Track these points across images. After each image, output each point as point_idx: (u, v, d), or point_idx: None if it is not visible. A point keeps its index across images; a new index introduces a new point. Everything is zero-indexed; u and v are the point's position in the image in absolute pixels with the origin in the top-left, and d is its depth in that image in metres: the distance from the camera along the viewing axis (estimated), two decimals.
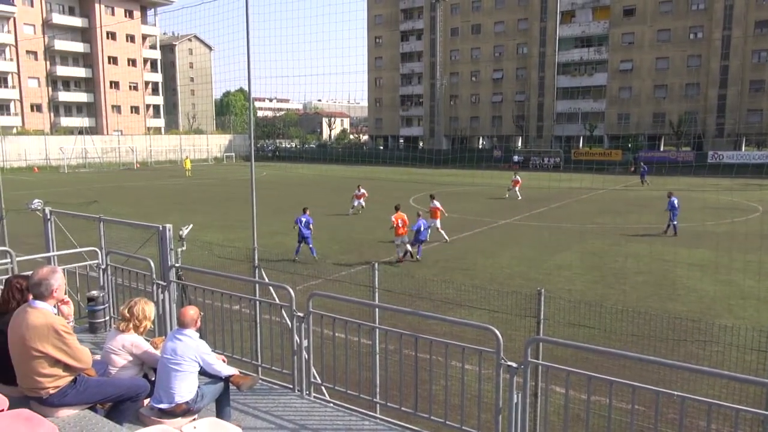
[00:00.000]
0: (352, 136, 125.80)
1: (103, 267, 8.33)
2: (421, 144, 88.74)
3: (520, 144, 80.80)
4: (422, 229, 18.56)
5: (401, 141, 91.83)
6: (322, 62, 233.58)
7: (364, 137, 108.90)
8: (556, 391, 7.29)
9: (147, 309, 5.31)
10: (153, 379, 5.18)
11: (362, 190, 29.22)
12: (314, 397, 6.45)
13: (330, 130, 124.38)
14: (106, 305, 7.96)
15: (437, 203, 21.96)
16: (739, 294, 14.14)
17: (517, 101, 78.32)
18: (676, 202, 22.57)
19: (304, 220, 18.16)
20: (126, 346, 5.13)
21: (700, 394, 7.84)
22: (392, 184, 44.57)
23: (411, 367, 5.95)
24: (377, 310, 7.35)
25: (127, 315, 5.24)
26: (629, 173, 57.28)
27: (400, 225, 18.25)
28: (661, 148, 69.92)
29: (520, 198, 34.15)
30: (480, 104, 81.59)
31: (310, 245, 18.20)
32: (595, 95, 73.21)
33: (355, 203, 28.77)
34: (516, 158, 68.12)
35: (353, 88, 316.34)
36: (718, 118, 64.29)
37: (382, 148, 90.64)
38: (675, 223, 22.50)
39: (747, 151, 64.81)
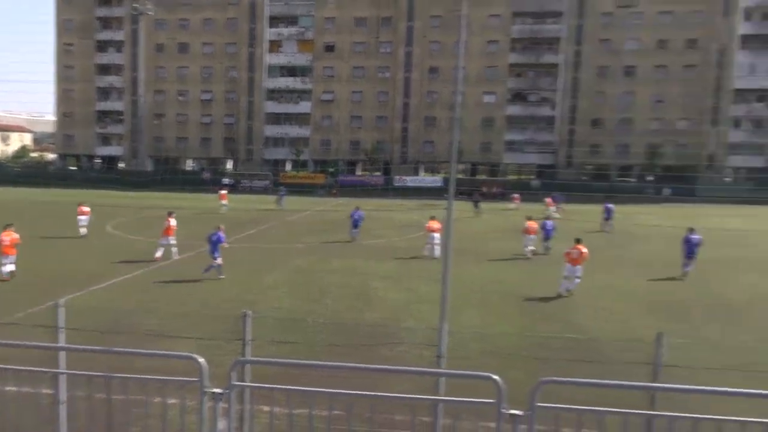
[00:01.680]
0: (34, 154, 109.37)
1: None
2: (122, 164, 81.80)
3: (229, 166, 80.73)
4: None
5: (98, 161, 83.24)
6: None
7: (52, 155, 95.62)
8: (264, 411, 7.43)
9: None
10: None
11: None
12: None
13: (6, 146, 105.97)
14: None
15: (172, 222, 21.96)
16: (418, 299, 16.43)
17: (226, 124, 78.17)
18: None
19: None
20: None
21: (395, 391, 8.88)
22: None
23: (104, 413, 5.43)
24: (62, 354, 6.51)
25: None
26: (332, 195, 61.97)
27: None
28: (358, 173, 77.43)
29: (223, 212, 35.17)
30: (188, 125, 79.07)
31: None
32: (301, 122, 77.52)
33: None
34: (226, 181, 67.79)
35: (35, 99, 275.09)
36: (402, 147, 74.11)
37: (75, 168, 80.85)
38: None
39: (424, 176, 76.03)
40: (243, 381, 6.74)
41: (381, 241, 27.85)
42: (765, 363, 10.87)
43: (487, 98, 72.71)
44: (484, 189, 64.41)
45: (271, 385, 6.19)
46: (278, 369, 9.59)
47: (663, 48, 69.13)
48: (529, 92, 73.64)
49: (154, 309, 14.21)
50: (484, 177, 74.62)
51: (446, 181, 60.43)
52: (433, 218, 24.08)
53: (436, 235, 23.22)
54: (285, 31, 76.51)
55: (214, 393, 5.22)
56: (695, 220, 29.99)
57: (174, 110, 79.11)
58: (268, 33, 76.23)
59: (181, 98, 78.87)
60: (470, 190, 57.67)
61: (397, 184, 67.57)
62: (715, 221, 37.08)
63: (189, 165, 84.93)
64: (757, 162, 69.08)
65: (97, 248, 24.00)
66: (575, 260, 17.23)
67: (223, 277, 18.56)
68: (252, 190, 66.40)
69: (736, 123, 70.04)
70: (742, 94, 68.98)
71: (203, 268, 18.86)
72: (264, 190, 65.18)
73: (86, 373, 5.51)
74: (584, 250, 17.54)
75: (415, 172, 74.16)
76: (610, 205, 34.39)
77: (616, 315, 15.14)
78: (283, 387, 6.11)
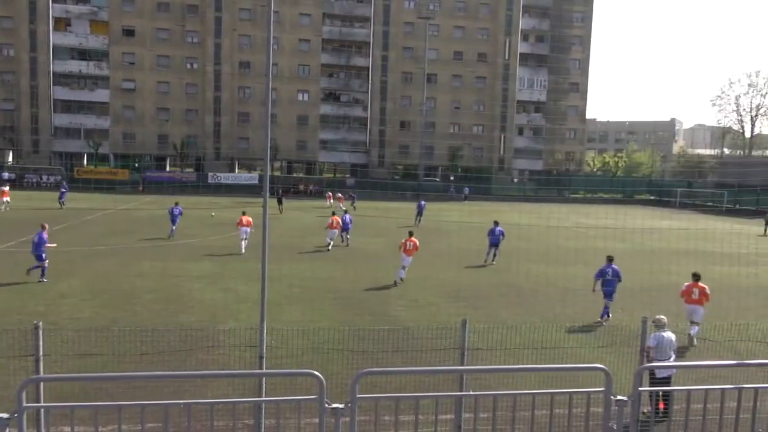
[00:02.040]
0: None
1: None
2: None
3: (11, 159, 70.47)
4: None
5: None
6: None
7: None
8: None
9: None
10: None
11: None
12: None
13: None
14: None
15: None
16: (237, 299, 15.99)
17: (4, 110, 68.01)
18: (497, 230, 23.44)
19: None
20: None
21: (214, 397, 8.50)
22: None
23: None
24: None
25: None
26: (138, 192, 57.46)
27: None
28: (167, 169, 72.71)
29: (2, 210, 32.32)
30: None
31: None
32: (99, 111, 70.48)
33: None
34: (6, 175, 59.08)
35: None
36: (215, 143, 71.19)
37: None
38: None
39: (240, 173, 74.04)
40: (38, 402, 5.96)
41: (195, 241, 26.52)
42: (549, 340, 12.52)
43: (301, 96, 73.05)
44: (301, 187, 65.11)
45: (70, 404, 5.56)
46: (82, 386, 8.63)
47: (458, 59, 75.75)
48: (341, 92, 75.59)
49: None
50: (300, 175, 74.97)
51: (262, 178, 59.83)
52: (244, 213, 24.75)
53: (247, 229, 23.88)
54: (74, 8, 68.72)
55: (0, 419, 4.54)
56: (491, 216, 33.35)
57: None
58: (53, 9, 67.77)
59: None
60: (285, 188, 57.95)
61: (211, 181, 64.89)
62: (506, 217, 41.69)
63: None
64: (537, 165, 79.20)
65: None
66: (409, 251, 18.86)
67: (46, 281, 16.99)
68: (40, 186, 58.96)
69: (520, 131, 79.55)
70: (523, 105, 78.50)
71: (28, 267, 17.45)
72: (55, 186, 58.13)
73: None
74: (416, 241, 19.24)
75: (230, 169, 71.80)
76: (423, 202, 37.58)
77: (428, 305, 16.25)
78: (86, 404, 5.54)
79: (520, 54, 77.04)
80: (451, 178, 72.57)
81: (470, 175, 73.10)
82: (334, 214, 27.16)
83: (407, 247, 18.92)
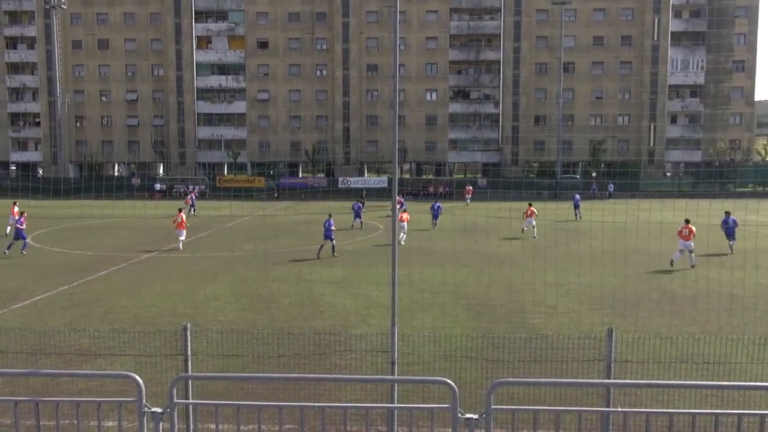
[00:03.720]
0: None
1: None
2: (41, 171, 78.22)
3: (161, 171, 78.46)
4: None
5: (13, 168, 79.30)
6: None
7: None
8: (210, 429, 7.27)
9: None
10: None
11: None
12: None
13: None
14: None
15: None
16: (367, 304, 16.46)
17: (155, 125, 75.96)
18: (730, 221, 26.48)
19: None
20: None
21: (347, 401, 8.85)
22: None
23: None
24: None
25: None
26: (273, 199, 61.32)
27: None
28: (300, 175, 76.83)
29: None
30: (113, 127, 76.45)
31: None
32: (237, 122, 76.27)
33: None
34: (158, 186, 65.89)
35: None
36: (344, 148, 73.96)
37: None
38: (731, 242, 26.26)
39: (369, 176, 76.11)
40: (186, 398, 6.58)
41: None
42: (712, 354, 11.47)
43: (429, 96, 73.61)
44: (431, 189, 65.39)
45: (215, 402, 6.06)
46: (225, 384, 9.40)
47: (599, 45, 71.96)
48: (471, 89, 75.03)
49: (84, 327, 13.64)
50: (430, 176, 75.41)
51: (391, 181, 61.33)
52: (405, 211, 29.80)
53: (405, 225, 28.15)
54: (214, 26, 75.09)
55: (154, 413, 5.06)
56: (640, 215, 31.32)
57: (97, 112, 76.33)
58: (195, 29, 74.60)
59: (104, 99, 76.15)
60: (417, 191, 58.50)
61: (341, 186, 67.42)
62: (657, 216, 38.95)
63: (116, 170, 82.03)
64: (694, 156, 72.80)
65: (18, 262, 22.86)
66: (686, 237, 21.90)
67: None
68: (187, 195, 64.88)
69: (673, 118, 73.79)
70: (676, 90, 72.77)
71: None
72: (202, 195, 63.78)
73: (11, 398, 5.23)
74: (693, 228, 22.10)
75: (360, 173, 74.16)
76: (578, 196, 41.37)
77: (568, 312, 15.62)
78: (229, 402, 6.00)
79: (672, 33, 71.45)
80: (593, 174, 69.23)
81: (615, 170, 68.91)
82: (531, 204, 32.23)
83: (684, 234, 21.94)
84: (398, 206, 47.40)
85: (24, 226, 25.33)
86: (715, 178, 67.57)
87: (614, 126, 72.69)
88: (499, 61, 72.79)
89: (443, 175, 75.48)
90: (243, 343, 11.69)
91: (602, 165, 71.09)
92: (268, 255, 25.01)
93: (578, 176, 72.45)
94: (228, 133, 76.25)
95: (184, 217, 26.96)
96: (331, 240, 24.39)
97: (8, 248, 24.40)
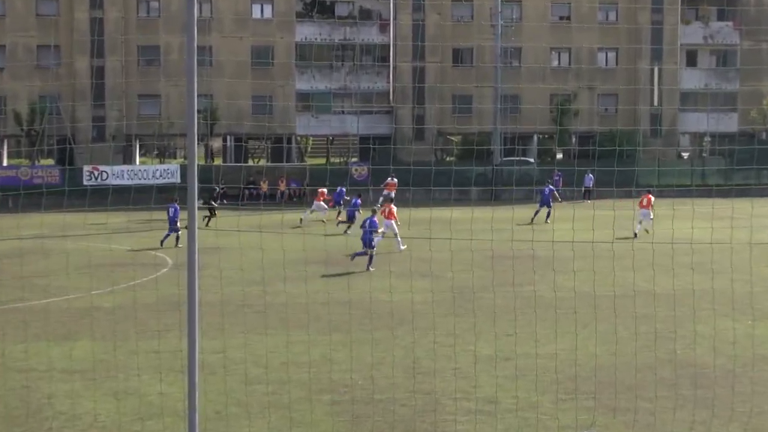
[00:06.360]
0: None
1: None
2: None
3: None
4: None
5: None
6: None
7: None
8: None
9: None
10: None
11: None
12: None
13: None
14: None
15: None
16: (141, 412, 10.66)
17: None
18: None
19: None
20: None
21: None
22: None
23: None
24: None
25: None
26: None
27: None
28: (3, 163, 46.05)
29: None
30: None
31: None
32: None
33: None
34: None
35: None
36: (94, 110, 47.15)
37: None
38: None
39: (146, 163, 49.96)
40: None
41: None
42: None
43: (258, 11, 52.30)
44: (263, 186, 45.09)
45: None
46: None
47: None
48: None
49: None
50: (262, 163, 55.73)
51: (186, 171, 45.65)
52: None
53: (393, 223, 24.45)
54: None
55: None
56: None
57: None
58: None
59: None
60: (237, 190, 43.38)
61: (88, 182, 45.98)
62: None
63: None
64: (729, 125, 53.75)
65: None
66: (645, 205, 24.40)
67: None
68: None
69: (691, 57, 55.62)
70: (695, 8, 54.68)
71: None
72: None
73: None
74: (652, 197, 24.22)
75: (127, 158, 47.47)
76: (550, 188, 33.55)
77: (519, 410, 11.03)
78: None
79: None
80: (558, 156, 57.02)
81: (595, 149, 47.68)
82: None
83: (643, 203, 24.31)
84: (385, 193, 34.65)
85: None
86: (763, 161, 46.84)
87: (592, 70, 51.10)
88: None
89: (287, 160, 51.35)
90: None
91: (572, 139, 51.17)
92: None
93: (532, 159, 50.67)
94: None
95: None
96: (177, 232, 24.39)
97: None
